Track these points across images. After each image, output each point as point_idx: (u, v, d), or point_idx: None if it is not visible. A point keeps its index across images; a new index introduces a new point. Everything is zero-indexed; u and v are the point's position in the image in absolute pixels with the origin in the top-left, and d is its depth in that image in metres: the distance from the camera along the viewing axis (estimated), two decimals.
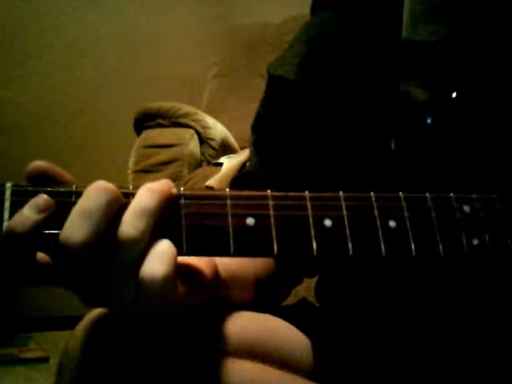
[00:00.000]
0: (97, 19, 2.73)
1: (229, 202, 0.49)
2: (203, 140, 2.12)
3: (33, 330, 2.53)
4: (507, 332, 0.62)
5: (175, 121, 2.12)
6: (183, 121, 2.12)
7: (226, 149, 2.17)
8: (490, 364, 0.63)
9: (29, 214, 0.45)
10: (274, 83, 0.77)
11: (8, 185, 0.47)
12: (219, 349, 0.56)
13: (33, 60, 2.66)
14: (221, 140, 2.16)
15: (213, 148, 2.13)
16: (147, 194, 0.47)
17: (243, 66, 2.52)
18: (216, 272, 0.57)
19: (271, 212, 0.49)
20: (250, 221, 0.49)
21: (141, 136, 2.13)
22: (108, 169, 2.42)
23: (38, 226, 0.45)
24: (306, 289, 0.81)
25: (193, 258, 0.54)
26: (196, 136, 2.11)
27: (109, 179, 0.48)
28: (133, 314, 0.48)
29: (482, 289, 0.62)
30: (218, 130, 2.18)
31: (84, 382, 0.55)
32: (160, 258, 0.46)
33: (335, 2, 0.75)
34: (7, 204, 0.46)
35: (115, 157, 2.42)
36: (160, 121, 2.12)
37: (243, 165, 1.83)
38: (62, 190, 0.47)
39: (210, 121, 2.17)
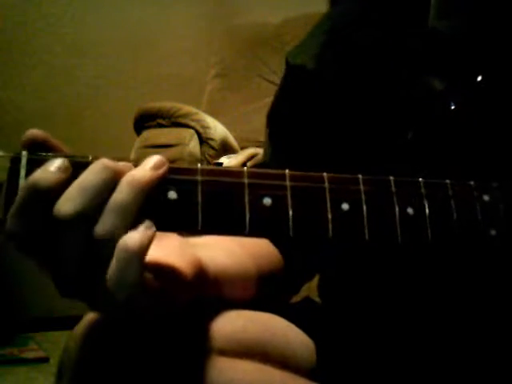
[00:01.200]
0: (97, 19, 2.73)
1: (246, 180, 0.48)
2: (203, 140, 2.12)
3: (33, 330, 2.52)
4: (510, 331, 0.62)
5: (175, 121, 2.12)
6: (183, 121, 2.12)
7: (226, 149, 2.17)
8: (490, 364, 0.63)
9: (53, 170, 0.44)
10: (293, 72, 0.76)
11: (24, 153, 0.46)
12: (219, 349, 0.56)
13: (33, 60, 2.66)
14: (221, 140, 2.16)
15: (213, 148, 2.12)
16: (125, 190, 0.45)
17: (243, 66, 2.51)
18: (200, 270, 0.56)
19: (288, 193, 0.48)
20: (267, 201, 0.48)
21: (141, 136, 2.13)
22: None
23: (61, 185, 0.44)
24: (306, 288, 0.81)
25: (172, 257, 0.53)
26: (196, 136, 2.11)
27: None
28: (110, 310, 0.48)
29: (488, 286, 0.62)
30: (217, 130, 2.18)
31: (84, 381, 0.55)
32: (124, 266, 0.44)
33: None
34: (23, 172, 0.45)
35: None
36: (160, 121, 2.12)
37: (243, 165, 1.83)
38: (78, 160, 0.46)
39: (210, 121, 2.17)
